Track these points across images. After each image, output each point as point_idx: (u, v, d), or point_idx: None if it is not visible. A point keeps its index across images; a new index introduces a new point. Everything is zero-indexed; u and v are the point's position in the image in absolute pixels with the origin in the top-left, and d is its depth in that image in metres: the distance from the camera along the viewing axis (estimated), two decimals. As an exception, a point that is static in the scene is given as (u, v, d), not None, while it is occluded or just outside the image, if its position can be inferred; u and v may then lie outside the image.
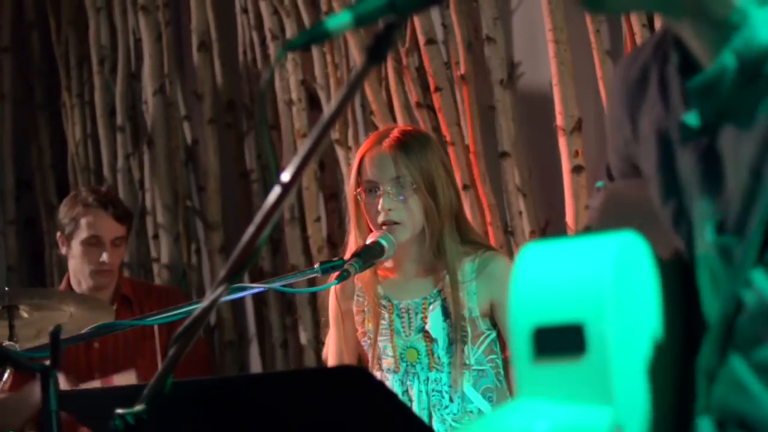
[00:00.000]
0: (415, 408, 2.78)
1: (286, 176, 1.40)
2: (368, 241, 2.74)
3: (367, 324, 2.89)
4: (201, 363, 4.03)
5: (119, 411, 1.44)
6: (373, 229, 2.82)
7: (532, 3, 3.62)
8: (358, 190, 2.84)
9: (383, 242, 2.72)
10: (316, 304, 4.22)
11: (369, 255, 2.70)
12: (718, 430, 1.20)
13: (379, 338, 2.86)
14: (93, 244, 3.94)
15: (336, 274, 2.64)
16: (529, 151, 3.66)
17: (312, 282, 3.91)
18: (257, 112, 4.49)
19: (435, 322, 2.81)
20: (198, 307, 1.46)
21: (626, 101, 1.44)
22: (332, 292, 2.96)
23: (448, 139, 3.71)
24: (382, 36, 1.36)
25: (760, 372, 1.18)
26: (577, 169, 3.41)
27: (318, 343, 4.20)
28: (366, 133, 4.04)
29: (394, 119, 3.88)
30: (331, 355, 2.98)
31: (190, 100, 4.80)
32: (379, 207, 2.78)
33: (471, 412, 2.79)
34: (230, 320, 4.62)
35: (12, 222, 5.31)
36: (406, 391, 2.82)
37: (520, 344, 1.26)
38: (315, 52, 4.17)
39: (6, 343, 3.06)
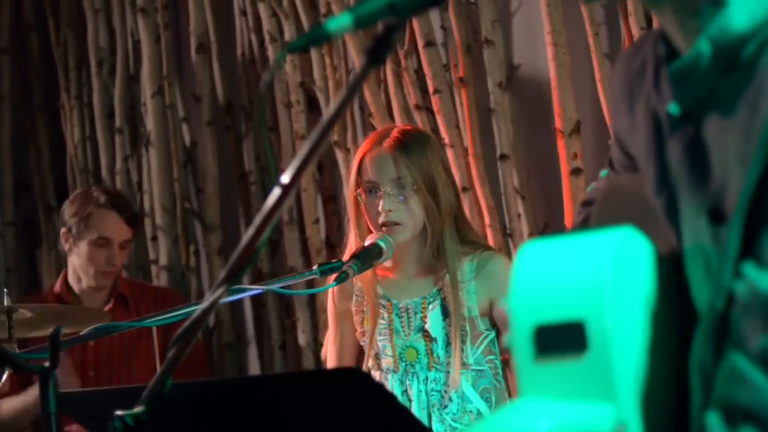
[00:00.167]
0: (414, 408, 2.79)
1: (285, 178, 1.40)
2: (367, 243, 2.74)
3: (366, 324, 2.89)
4: (199, 365, 4.03)
5: (119, 412, 1.44)
6: (372, 229, 2.82)
7: (531, 6, 3.62)
8: (359, 190, 2.84)
9: (382, 244, 2.72)
10: (314, 305, 4.23)
11: (367, 257, 2.70)
12: (727, 425, 1.20)
13: (378, 338, 2.86)
14: (101, 245, 3.94)
15: (334, 275, 2.64)
16: (528, 153, 3.66)
17: (310, 284, 3.91)
18: (257, 115, 4.49)
19: (434, 322, 2.81)
20: (197, 309, 1.46)
21: (626, 92, 1.46)
22: (330, 293, 2.96)
23: (446, 141, 3.71)
24: (381, 38, 1.36)
25: (759, 362, 1.18)
26: (575, 172, 3.41)
27: (317, 344, 4.20)
28: (365, 135, 4.04)
29: (393, 121, 3.88)
30: (330, 356, 2.98)
31: (188, 102, 4.80)
32: (380, 208, 2.78)
33: (470, 411, 2.79)
34: (229, 322, 4.62)
35: (10, 223, 5.31)
36: (405, 390, 2.82)
37: (521, 343, 1.26)
38: (314, 54, 4.17)
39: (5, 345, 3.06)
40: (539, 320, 1.25)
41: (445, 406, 2.80)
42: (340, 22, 1.37)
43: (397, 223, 2.78)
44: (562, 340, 1.23)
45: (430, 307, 2.82)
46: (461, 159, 3.69)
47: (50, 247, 5.15)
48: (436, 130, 3.78)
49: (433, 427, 2.78)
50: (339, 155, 4.12)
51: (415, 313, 2.84)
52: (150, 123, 4.81)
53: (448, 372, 2.80)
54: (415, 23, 3.80)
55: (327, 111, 1.50)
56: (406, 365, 2.84)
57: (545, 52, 3.49)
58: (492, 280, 2.80)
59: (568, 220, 3.41)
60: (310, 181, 4.26)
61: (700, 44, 1.26)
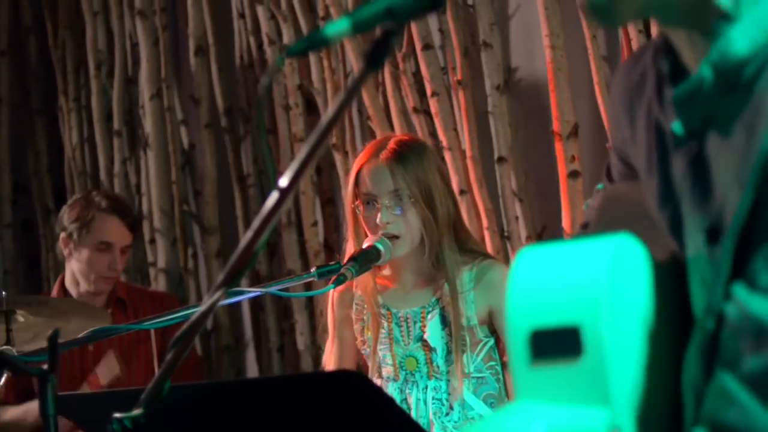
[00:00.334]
0: (413, 416, 2.78)
1: (284, 182, 1.41)
2: (364, 246, 2.74)
3: (366, 332, 2.89)
4: (193, 368, 4.03)
5: (117, 415, 1.44)
6: (370, 239, 2.82)
7: (529, 9, 3.63)
8: (356, 202, 2.84)
9: (380, 246, 2.73)
10: (312, 308, 4.23)
11: (366, 259, 2.70)
12: None
13: (378, 347, 2.86)
14: (102, 250, 3.94)
15: (333, 278, 2.64)
16: (526, 156, 3.67)
17: (309, 286, 3.92)
18: (255, 118, 4.49)
19: (433, 331, 2.81)
20: (196, 312, 1.47)
21: (626, 102, 1.46)
22: (331, 299, 2.96)
23: (444, 144, 3.71)
24: (380, 42, 1.36)
25: (748, 384, 1.19)
26: (573, 175, 3.41)
27: (315, 347, 4.21)
28: (363, 138, 4.05)
29: (391, 124, 3.89)
30: (330, 363, 2.98)
31: (187, 105, 4.81)
32: (378, 221, 2.78)
33: (472, 419, 2.79)
34: (227, 325, 4.63)
35: (9, 226, 5.32)
36: (405, 399, 2.82)
37: (517, 347, 1.26)
38: (312, 57, 4.17)
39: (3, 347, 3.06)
40: (535, 325, 1.26)
41: (447, 414, 2.80)
42: (338, 27, 1.37)
43: (395, 236, 2.78)
44: (557, 344, 1.24)
45: (429, 316, 2.82)
46: (459, 162, 3.69)
47: (48, 249, 5.15)
48: (433, 133, 3.78)
49: (434, 435, 2.79)
50: (337, 158, 4.12)
51: (415, 323, 2.84)
52: (148, 125, 4.81)
53: (449, 380, 2.80)
54: (413, 26, 3.81)
55: (325, 115, 1.50)
56: (407, 374, 2.84)
57: (543, 55, 3.49)
58: (491, 289, 2.80)
59: (566, 223, 3.41)
60: (309, 184, 4.26)
61: (702, 70, 1.27)
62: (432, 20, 3.82)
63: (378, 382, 2.85)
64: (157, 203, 4.77)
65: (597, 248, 1.27)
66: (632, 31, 3.28)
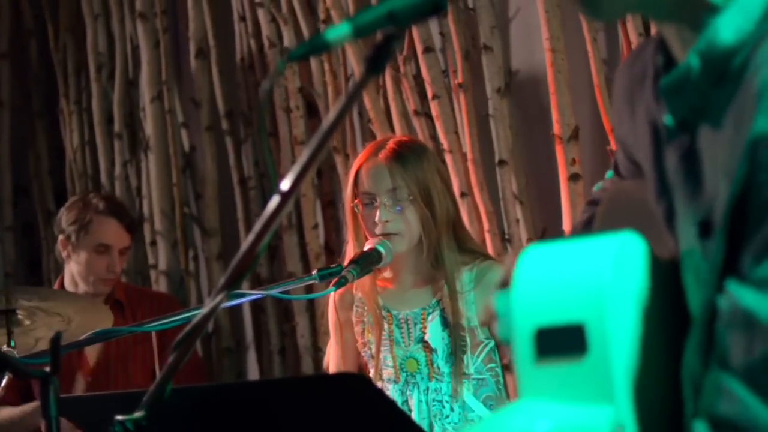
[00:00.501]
0: (414, 418, 2.79)
1: (285, 185, 1.41)
2: (366, 248, 2.75)
3: (367, 335, 2.89)
4: (196, 370, 4.03)
5: (119, 417, 1.45)
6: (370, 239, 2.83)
7: (529, 12, 3.63)
8: (355, 201, 2.85)
9: (381, 249, 2.73)
10: (313, 310, 4.24)
11: (367, 262, 2.71)
12: None
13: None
14: (101, 252, 3.94)
15: (334, 280, 2.65)
16: (527, 159, 3.67)
17: (310, 289, 3.94)
18: (257, 120, 4.49)
19: (434, 333, 2.82)
20: (198, 314, 1.47)
21: (627, 98, 1.47)
22: (331, 302, 2.97)
23: (445, 147, 3.72)
24: (381, 47, 1.37)
25: (743, 376, 1.19)
26: (574, 177, 3.42)
27: (316, 349, 4.21)
28: (363, 140, 4.05)
29: (392, 127, 3.89)
30: (331, 365, 2.98)
31: (187, 107, 4.81)
32: (377, 219, 2.79)
33: (472, 420, 2.80)
34: (228, 327, 4.63)
35: (9, 228, 5.32)
36: (406, 401, 2.83)
37: (522, 346, 1.27)
38: (313, 60, 4.17)
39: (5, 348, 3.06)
40: (540, 322, 1.26)
41: (447, 416, 2.80)
42: (339, 31, 1.37)
43: (394, 234, 2.79)
44: (562, 342, 1.24)
45: (430, 318, 2.83)
46: (460, 165, 3.69)
47: (49, 252, 5.15)
48: (434, 135, 3.79)
49: (435, 436, 2.79)
50: (338, 160, 4.13)
51: (415, 324, 2.85)
52: (149, 128, 4.82)
53: (449, 382, 2.80)
54: (414, 29, 3.81)
55: (326, 118, 1.51)
56: (407, 376, 2.84)
57: (543, 58, 3.50)
58: (491, 290, 2.79)
59: (567, 225, 3.41)
60: (309, 187, 4.26)
61: (690, 59, 1.28)
62: (433, 23, 3.82)
63: (379, 384, 2.86)
64: (157, 206, 4.77)
65: (601, 246, 1.27)
66: (632, 33, 3.28)
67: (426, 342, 2.82)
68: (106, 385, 3.96)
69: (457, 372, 2.78)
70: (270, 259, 4.48)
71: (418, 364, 2.83)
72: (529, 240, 3.57)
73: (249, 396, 2.08)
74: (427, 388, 2.82)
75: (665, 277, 1.34)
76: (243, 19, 4.51)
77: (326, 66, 4.14)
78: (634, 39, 3.28)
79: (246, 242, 1.43)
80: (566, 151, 3.43)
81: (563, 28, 3.46)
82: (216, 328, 4.63)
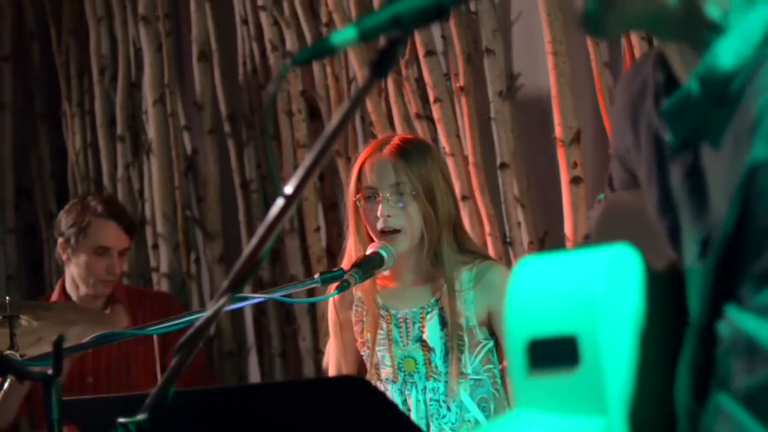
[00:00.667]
0: (413, 417, 2.79)
1: (289, 189, 1.41)
2: (368, 252, 2.75)
3: (366, 334, 2.89)
4: (200, 371, 4.03)
5: (122, 420, 1.45)
6: (372, 235, 2.83)
7: (531, 15, 3.63)
8: (358, 196, 2.85)
9: (383, 253, 2.73)
10: (315, 314, 4.24)
11: (369, 266, 2.71)
12: None
13: (377, 348, 2.87)
14: (100, 254, 3.95)
15: (335, 284, 2.65)
16: (528, 162, 3.67)
17: (311, 292, 3.93)
18: (259, 124, 4.50)
19: (432, 332, 2.82)
20: (200, 318, 1.47)
21: (629, 111, 1.47)
22: (331, 302, 2.97)
23: (447, 150, 3.72)
24: (385, 51, 1.37)
25: (744, 401, 1.20)
26: (575, 181, 3.42)
27: (317, 352, 4.21)
28: (365, 143, 4.05)
29: (394, 130, 3.89)
30: (331, 365, 2.99)
31: (190, 110, 4.82)
32: (378, 213, 2.79)
33: (468, 421, 2.80)
34: (229, 330, 4.63)
35: (12, 230, 5.32)
36: (405, 400, 2.83)
37: (515, 356, 1.27)
38: (315, 63, 4.18)
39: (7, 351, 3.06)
40: (533, 334, 1.27)
41: (444, 416, 2.80)
42: (344, 35, 1.38)
43: (396, 230, 2.79)
44: (554, 353, 1.25)
45: (428, 317, 2.83)
46: (461, 168, 3.70)
47: (51, 254, 5.16)
48: (436, 139, 3.79)
49: (432, 436, 2.79)
50: (340, 164, 4.13)
51: (414, 323, 2.85)
52: (151, 131, 4.82)
53: (447, 382, 2.81)
54: (416, 32, 3.81)
55: (329, 123, 1.51)
56: (405, 375, 2.84)
57: (545, 62, 3.50)
58: (491, 290, 2.80)
59: (568, 229, 3.42)
60: (312, 190, 4.27)
61: (690, 83, 1.29)
62: (435, 27, 3.83)
63: (375, 383, 2.86)
64: (159, 208, 4.77)
65: (594, 258, 1.28)
66: (634, 37, 3.29)
67: (424, 341, 2.82)
68: (108, 385, 3.97)
69: (455, 371, 2.78)
70: (272, 262, 4.48)
71: (416, 364, 2.83)
72: (531, 243, 3.58)
73: (251, 399, 2.08)
74: (425, 388, 2.82)
75: (662, 288, 1.34)
76: (245, 22, 4.51)
77: (329, 69, 4.15)
78: (636, 43, 3.29)
79: (249, 246, 1.43)
80: (568, 154, 3.43)
81: (565, 31, 3.47)
82: (218, 332, 4.63)
